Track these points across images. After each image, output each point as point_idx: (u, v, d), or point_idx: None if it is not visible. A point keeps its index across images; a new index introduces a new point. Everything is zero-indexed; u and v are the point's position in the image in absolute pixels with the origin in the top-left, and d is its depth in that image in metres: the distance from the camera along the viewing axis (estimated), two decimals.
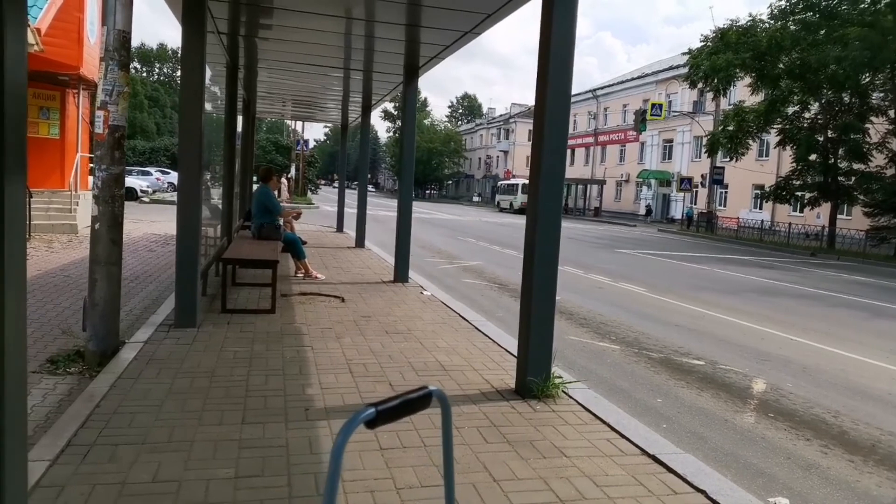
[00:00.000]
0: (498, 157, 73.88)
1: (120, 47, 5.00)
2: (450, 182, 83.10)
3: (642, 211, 48.56)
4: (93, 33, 13.87)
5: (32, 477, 2.90)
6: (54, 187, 14.65)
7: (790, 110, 26.92)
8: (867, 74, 23.80)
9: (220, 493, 2.93)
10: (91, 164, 12.10)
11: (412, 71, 9.37)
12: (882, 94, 25.21)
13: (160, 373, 4.63)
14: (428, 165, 71.13)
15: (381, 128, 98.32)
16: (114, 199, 5.04)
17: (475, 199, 73.70)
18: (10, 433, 1.79)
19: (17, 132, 1.77)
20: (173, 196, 27.35)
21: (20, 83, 1.77)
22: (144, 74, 78.81)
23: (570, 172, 45.89)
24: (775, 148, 31.40)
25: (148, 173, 35.70)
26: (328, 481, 0.77)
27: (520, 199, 47.24)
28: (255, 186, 14.75)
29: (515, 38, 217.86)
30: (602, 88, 56.92)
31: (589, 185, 52.95)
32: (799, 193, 27.80)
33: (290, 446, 3.49)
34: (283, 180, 20.43)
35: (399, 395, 0.84)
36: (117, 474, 3.05)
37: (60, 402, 4.22)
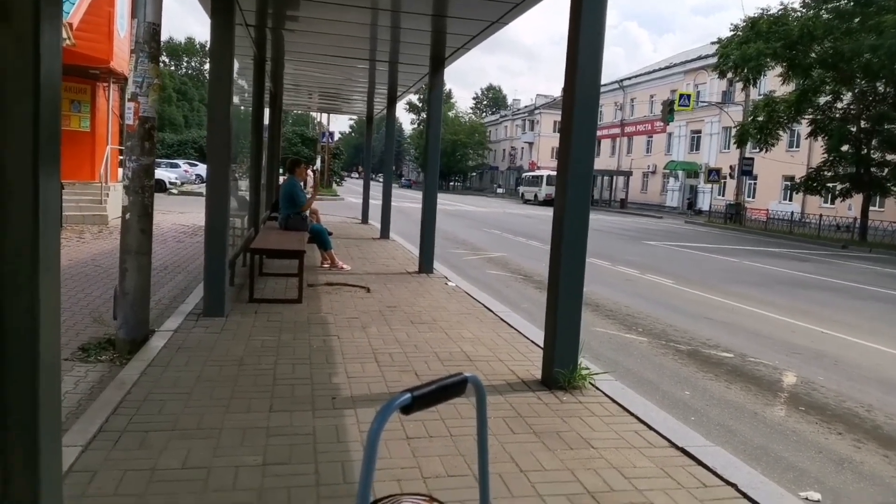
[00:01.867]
0: (522, 148, 73.50)
1: (150, 39, 5.05)
2: (474, 174, 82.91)
3: (671, 202, 47.86)
4: (122, 27, 14.05)
5: (66, 462, 2.95)
6: (85, 179, 14.89)
7: (822, 100, 26.34)
8: None
9: (248, 480, 2.96)
10: (121, 157, 12.26)
11: (438, 62, 9.34)
12: None
13: (189, 361, 4.69)
14: (452, 157, 71.07)
15: (406, 120, 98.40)
16: (143, 189, 5.10)
17: (499, 190, 73.44)
18: (44, 419, 1.82)
19: (52, 125, 1.79)
20: (201, 188, 27.66)
21: (55, 77, 1.79)
22: (173, 68, 79.64)
23: (597, 164, 44.76)
24: (806, 139, 30.80)
25: (176, 165, 36.20)
26: (364, 466, 0.76)
27: (545, 190, 46.92)
28: (281, 178, 14.85)
29: (541, 28, 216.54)
30: (629, 79, 56.28)
31: (615, 177, 52.45)
32: (830, 185, 27.23)
33: (317, 434, 3.51)
34: (310, 172, 20.58)
35: (435, 381, 0.82)
36: (148, 460, 3.09)
37: (92, 389, 4.30)
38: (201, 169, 35.01)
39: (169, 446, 3.26)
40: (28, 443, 1.76)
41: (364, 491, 0.79)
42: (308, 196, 9.71)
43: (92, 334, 5.55)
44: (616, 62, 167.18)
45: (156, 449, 3.22)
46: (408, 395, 0.78)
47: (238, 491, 2.86)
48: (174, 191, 29.90)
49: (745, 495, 3.11)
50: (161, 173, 28.98)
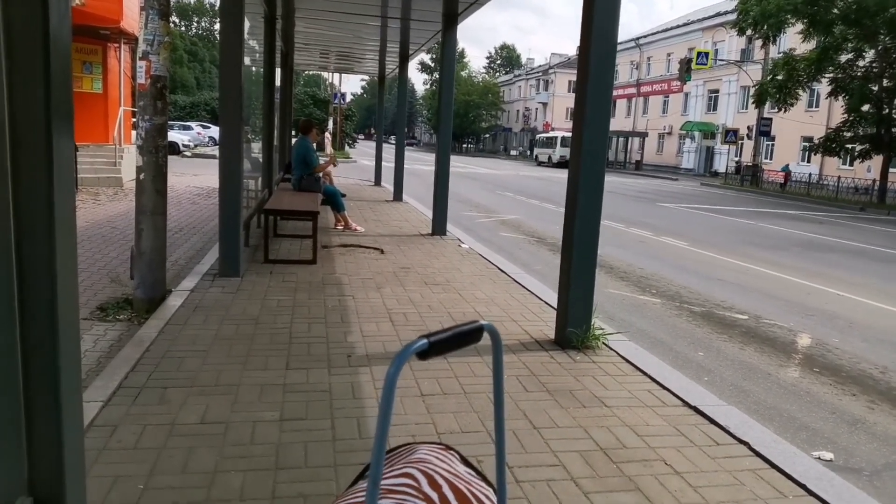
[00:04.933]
0: (537, 109, 72.59)
1: None
2: (487, 135, 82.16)
3: (687, 164, 47.14)
4: None
5: (87, 417, 3.01)
6: (99, 141, 14.91)
7: (843, 58, 25.72)
8: None
9: (265, 435, 3.01)
10: (134, 118, 12.27)
11: (451, 18, 9.18)
12: None
13: (206, 320, 4.74)
14: (465, 119, 70.36)
15: (419, 81, 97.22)
16: (157, 149, 5.10)
17: (513, 152, 72.85)
18: (65, 375, 1.85)
19: (63, 81, 1.78)
20: (214, 150, 27.65)
21: (65, 33, 1.77)
22: (183, 29, 78.96)
23: (612, 125, 43.85)
24: (826, 98, 30.13)
25: (189, 128, 36.12)
26: (382, 409, 0.76)
27: (559, 152, 46.45)
28: (293, 140, 14.82)
29: None
30: (645, 37, 55.18)
31: (630, 138, 51.83)
32: (849, 146, 26.74)
33: (332, 391, 3.56)
34: (328, 135, 20.43)
35: (450, 328, 0.82)
36: (167, 415, 3.15)
37: (111, 347, 4.37)
38: (214, 131, 34.92)
39: (188, 402, 3.31)
40: (49, 395, 1.79)
41: (382, 435, 0.79)
42: (322, 161, 9.68)
43: (110, 294, 5.61)
44: (629, 20, 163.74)
45: (175, 404, 3.27)
46: (424, 341, 0.78)
47: (256, 445, 2.91)
48: (187, 153, 29.92)
49: (757, 453, 3.12)
50: (174, 135, 28.94)
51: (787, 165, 33.31)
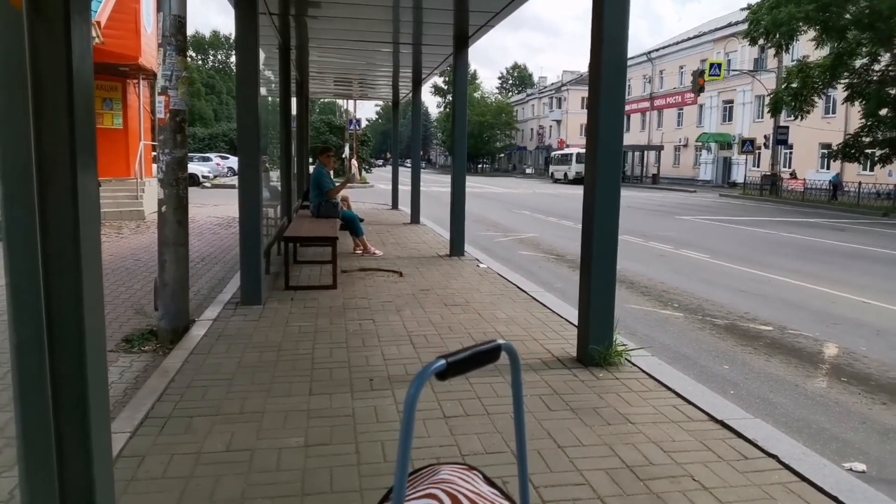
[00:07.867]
0: (550, 126, 72.68)
1: (176, 32, 5.11)
2: (502, 155, 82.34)
3: (704, 175, 46.82)
4: (149, 23, 14.23)
5: (115, 448, 3.04)
6: (120, 176, 15.18)
7: (858, 63, 25.52)
8: None
9: (291, 461, 3.02)
10: (154, 152, 12.49)
11: (462, 41, 9.27)
12: None
13: (230, 348, 4.78)
14: (479, 139, 70.66)
15: (432, 104, 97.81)
16: (178, 182, 5.19)
17: (528, 170, 72.89)
18: (94, 408, 1.89)
19: (86, 114, 1.84)
20: (234, 180, 28.00)
21: (87, 67, 1.83)
22: (200, 62, 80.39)
23: (626, 139, 43.67)
24: (843, 104, 29.90)
25: (208, 159, 36.66)
26: (403, 432, 0.78)
27: (574, 168, 46.42)
28: (311, 167, 14.97)
29: (561, 2, 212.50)
30: (657, 50, 55.20)
31: (646, 152, 51.67)
32: (869, 151, 26.44)
33: (356, 415, 3.57)
34: (354, 162, 20.54)
35: (468, 348, 0.84)
36: (193, 444, 3.18)
37: (137, 378, 4.42)
38: (233, 161, 35.42)
39: (213, 430, 3.34)
40: (79, 427, 1.83)
41: (404, 456, 0.81)
42: (338, 184, 9.77)
43: (135, 326, 5.69)
44: (639, 35, 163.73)
45: (201, 433, 3.30)
46: (442, 362, 0.80)
47: (281, 472, 2.93)
48: (207, 184, 30.31)
49: (787, 467, 3.08)
50: (193, 167, 29.40)
51: (837, 175, 31.68)
